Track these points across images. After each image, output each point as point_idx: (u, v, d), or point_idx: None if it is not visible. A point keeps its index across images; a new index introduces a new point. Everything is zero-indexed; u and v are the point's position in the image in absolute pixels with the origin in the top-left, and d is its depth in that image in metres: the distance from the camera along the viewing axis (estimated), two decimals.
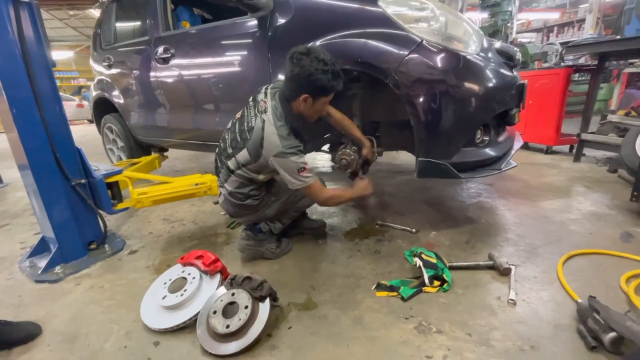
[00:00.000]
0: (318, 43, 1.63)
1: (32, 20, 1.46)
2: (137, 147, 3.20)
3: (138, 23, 2.78)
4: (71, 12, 11.99)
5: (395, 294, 1.31)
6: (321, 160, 3.89)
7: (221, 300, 1.17)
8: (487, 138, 1.67)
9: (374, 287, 1.37)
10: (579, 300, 1.18)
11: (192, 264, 1.36)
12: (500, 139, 1.78)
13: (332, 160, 1.93)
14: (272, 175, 1.52)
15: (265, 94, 1.43)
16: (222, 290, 1.24)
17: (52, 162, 1.55)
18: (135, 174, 2.29)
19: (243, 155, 1.39)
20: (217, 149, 1.57)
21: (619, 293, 1.27)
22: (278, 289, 1.26)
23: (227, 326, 1.08)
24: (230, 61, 2.11)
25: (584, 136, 3.11)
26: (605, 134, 3.04)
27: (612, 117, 3.24)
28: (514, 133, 2.08)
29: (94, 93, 3.34)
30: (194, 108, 2.47)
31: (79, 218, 1.68)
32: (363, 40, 1.55)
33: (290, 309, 1.27)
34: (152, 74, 2.57)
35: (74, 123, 11.46)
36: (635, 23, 4.49)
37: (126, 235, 2.03)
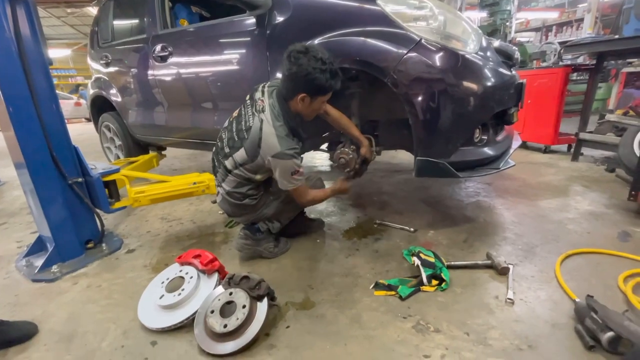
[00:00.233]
0: (317, 41, 1.62)
1: (28, 17, 1.45)
2: (135, 146, 3.19)
3: (136, 21, 2.77)
4: (69, 10, 11.93)
5: (393, 293, 1.31)
6: (320, 159, 3.89)
7: (219, 300, 1.17)
8: (486, 137, 1.67)
9: (372, 286, 1.37)
10: (577, 300, 1.18)
11: (189, 263, 1.35)
12: (499, 138, 1.78)
13: (331, 159, 1.92)
14: (270, 175, 1.51)
15: (263, 92, 1.42)
16: (220, 289, 1.24)
17: (49, 161, 1.54)
18: (132, 172, 2.28)
19: (240, 154, 1.39)
20: (215, 148, 1.57)
21: (616, 292, 1.28)
22: (276, 288, 1.26)
23: (225, 325, 1.08)
24: (229, 59, 2.10)
25: (582, 135, 3.12)
26: (603, 134, 3.05)
27: (610, 117, 3.25)
28: (513, 132, 2.08)
29: (92, 91, 3.32)
30: (192, 106, 2.46)
31: (75, 217, 1.67)
32: (362, 38, 1.54)
33: (288, 308, 1.26)
34: (149, 72, 2.55)
35: (72, 121, 11.43)
36: (634, 23, 4.49)
37: (124, 234, 2.02)
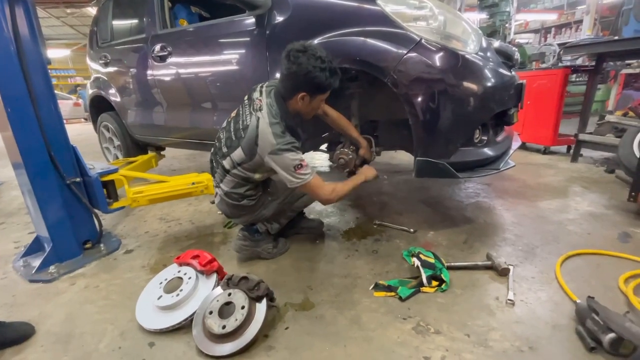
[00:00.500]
0: (316, 41, 1.62)
1: (27, 17, 1.44)
2: (134, 146, 3.18)
3: (135, 21, 2.76)
4: (68, 11, 11.92)
5: (393, 294, 1.30)
6: (319, 159, 3.88)
7: (217, 301, 1.16)
8: (486, 138, 1.67)
9: (371, 287, 1.36)
10: (578, 301, 1.18)
11: (188, 264, 1.35)
12: (499, 138, 1.77)
13: (330, 159, 1.92)
14: (269, 175, 1.50)
15: (261, 92, 1.42)
16: (219, 290, 1.23)
17: (47, 161, 1.53)
18: (131, 172, 2.27)
19: (238, 153, 1.38)
20: (213, 149, 1.56)
21: (617, 294, 1.27)
22: (275, 289, 1.25)
23: (224, 327, 1.07)
24: (228, 59, 2.10)
25: (582, 137, 3.12)
26: (602, 135, 3.05)
27: (609, 118, 3.25)
28: (512, 133, 2.08)
29: (91, 91, 3.31)
30: (192, 106, 2.45)
31: (73, 217, 1.66)
32: (361, 38, 1.54)
33: (287, 309, 1.26)
34: (149, 72, 2.55)
35: (70, 122, 11.42)
36: (633, 24, 4.49)
37: (122, 234, 2.01)
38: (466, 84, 1.47)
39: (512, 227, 1.86)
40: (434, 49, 1.44)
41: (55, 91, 1.65)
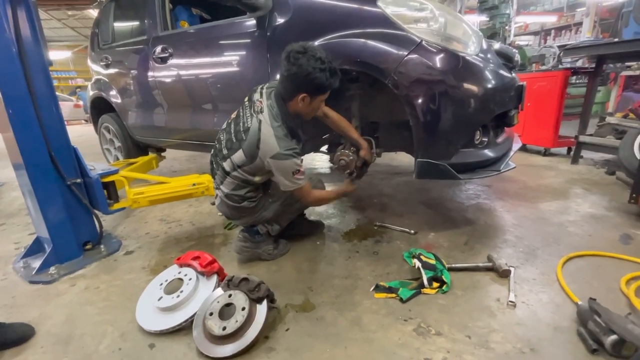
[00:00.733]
0: (317, 43, 1.62)
1: (29, 18, 1.45)
2: (135, 147, 3.19)
3: (136, 23, 2.77)
4: (70, 12, 11.94)
5: (393, 295, 1.30)
6: (320, 161, 3.88)
7: (218, 302, 1.15)
8: (486, 139, 1.67)
9: (372, 288, 1.36)
10: (579, 303, 1.17)
11: (188, 265, 1.34)
12: (499, 140, 1.78)
13: (331, 161, 1.92)
14: (268, 177, 1.50)
15: (261, 93, 1.42)
16: (219, 291, 1.23)
17: (48, 162, 1.53)
18: (132, 173, 2.27)
19: (238, 156, 1.38)
20: (213, 150, 1.56)
21: (619, 295, 1.27)
22: (275, 291, 1.25)
23: (224, 328, 1.06)
24: (229, 61, 2.10)
25: (582, 138, 3.12)
26: (603, 136, 3.05)
27: (610, 119, 3.25)
28: (513, 134, 2.08)
29: (91, 93, 3.32)
30: (192, 108, 2.45)
31: (74, 218, 1.66)
32: (362, 40, 1.54)
33: (287, 311, 1.25)
34: (149, 73, 2.55)
35: (71, 123, 11.43)
36: (633, 26, 4.50)
37: (122, 235, 2.01)
38: (467, 85, 1.47)
39: (512, 229, 1.86)
40: (435, 50, 1.44)
41: (56, 92, 1.65)
